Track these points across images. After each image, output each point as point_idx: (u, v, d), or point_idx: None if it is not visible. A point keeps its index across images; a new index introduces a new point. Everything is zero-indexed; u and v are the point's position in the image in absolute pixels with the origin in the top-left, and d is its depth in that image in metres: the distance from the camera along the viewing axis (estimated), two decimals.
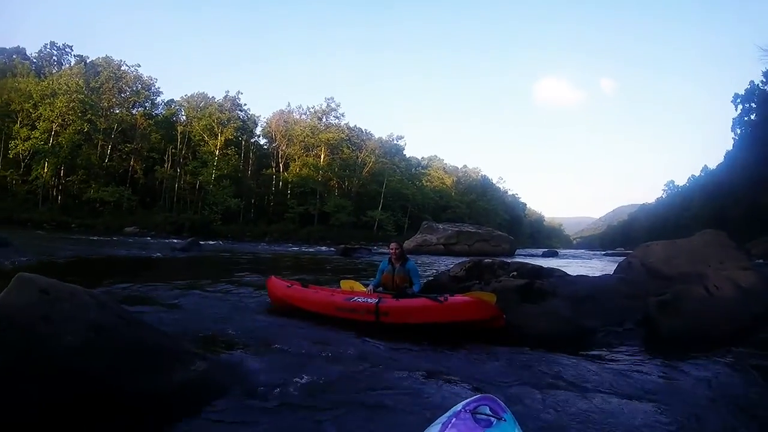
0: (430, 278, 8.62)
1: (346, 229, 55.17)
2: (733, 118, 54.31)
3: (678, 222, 77.91)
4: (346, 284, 7.20)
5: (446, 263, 18.05)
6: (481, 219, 65.95)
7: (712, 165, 76.23)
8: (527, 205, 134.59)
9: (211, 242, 29.87)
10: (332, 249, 28.98)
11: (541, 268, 8.04)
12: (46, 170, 45.14)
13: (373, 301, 5.39)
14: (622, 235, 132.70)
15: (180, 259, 14.71)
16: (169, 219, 45.74)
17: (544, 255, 35.81)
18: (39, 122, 45.77)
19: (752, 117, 49.96)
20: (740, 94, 52.11)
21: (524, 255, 34.85)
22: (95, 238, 25.76)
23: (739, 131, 53.56)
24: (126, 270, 11.65)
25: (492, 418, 1.96)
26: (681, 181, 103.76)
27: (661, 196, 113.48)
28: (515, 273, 7.36)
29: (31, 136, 45.03)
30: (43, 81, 48.48)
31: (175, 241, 22.76)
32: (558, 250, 45.03)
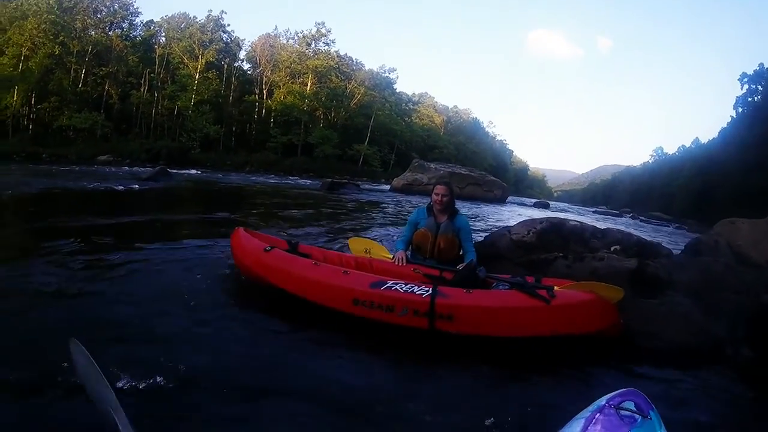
0: (479, 240, 5.58)
1: (331, 162, 53.61)
2: (737, 97, 55.19)
3: (663, 190, 78.97)
4: (358, 244, 4.90)
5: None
6: (467, 162, 64.46)
7: (704, 139, 76.72)
8: (514, 153, 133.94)
9: (183, 171, 28.26)
10: (316, 182, 27.78)
11: (644, 240, 5.49)
12: (15, 98, 42.02)
13: (425, 291, 3.14)
14: (603, 195, 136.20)
15: (141, 192, 13.06)
16: (144, 146, 43.52)
17: (536, 205, 35.05)
18: (8, 47, 42.28)
19: (756, 98, 49.91)
20: (749, 73, 51.86)
21: (515, 203, 34.04)
22: (63, 168, 23.88)
23: (740, 110, 53.47)
24: (63, 208, 9.91)
25: (637, 416, 1.77)
26: (670, 149, 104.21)
27: (648, 161, 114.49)
28: (618, 247, 4.97)
29: None
30: (12, 3, 44.73)
31: (143, 170, 20.95)
32: (548, 202, 44.28)
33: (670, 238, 16.41)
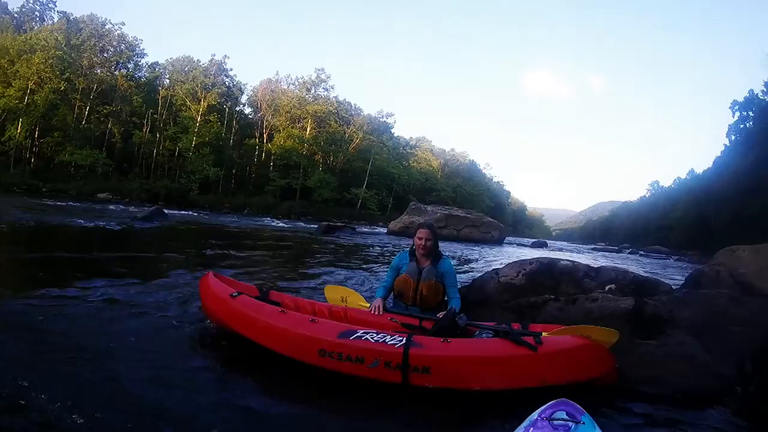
0: (465, 284, 5.17)
1: (329, 206, 53.97)
2: (729, 125, 55.67)
3: (661, 223, 79.39)
4: (334, 293, 4.55)
5: (446, 250, 15.97)
6: (466, 204, 64.98)
7: (699, 169, 77.12)
8: (511, 194, 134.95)
9: (180, 212, 28.22)
10: (313, 225, 27.59)
11: (641, 277, 5.14)
12: (19, 130, 42.75)
13: (398, 341, 2.88)
14: (601, 230, 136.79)
15: (134, 231, 12.98)
16: (144, 186, 44.22)
17: (533, 245, 34.96)
18: (15, 80, 43.16)
19: (749, 125, 50.39)
20: (739, 101, 52.43)
21: (513, 244, 34.01)
22: (62, 203, 24.00)
23: (733, 137, 53.97)
24: (52, 242, 9.87)
25: (570, 423, 1.83)
26: (666, 182, 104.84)
27: (645, 195, 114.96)
28: (613, 286, 4.72)
29: (5, 94, 42.38)
30: (21, 36, 45.94)
31: (141, 209, 20.99)
32: (546, 241, 44.29)
33: (671, 272, 16.19)
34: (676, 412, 2.95)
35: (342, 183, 59.45)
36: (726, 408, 3.05)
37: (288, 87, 65.37)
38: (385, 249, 15.47)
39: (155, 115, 53.18)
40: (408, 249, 4.34)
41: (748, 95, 51.76)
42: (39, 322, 3.54)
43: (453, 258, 13.70)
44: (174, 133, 52.38)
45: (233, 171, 56.94)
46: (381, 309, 3.89)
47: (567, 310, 3.88)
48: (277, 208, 49.21)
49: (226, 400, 2.63)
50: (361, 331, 3.00)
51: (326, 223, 25.66)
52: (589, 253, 32.86)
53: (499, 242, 31.40)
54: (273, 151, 58.61)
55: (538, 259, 5.16)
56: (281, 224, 28.85)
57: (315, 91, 65.48)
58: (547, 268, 4.93)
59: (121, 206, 27.86)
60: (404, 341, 2.86)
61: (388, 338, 2.91)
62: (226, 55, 59.25)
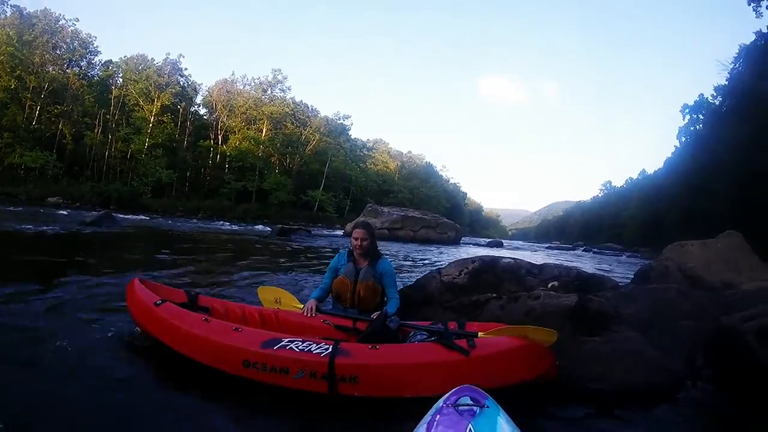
0: (408, 284, 5.26)
1: (286, 209, 54.04)
2: (680, 127, 57.25)
3: (614, 221, 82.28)
4: (268, 294, 4.43)
5: (395, 253, 16.58)
6: (423, 205, 65.77)
7: (650, 170, 79.63)
8: (468, 195, 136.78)
9: (132, 217, 27.88)
10: (269, 228, 27.56)
11: (585, 273, 5.19)
12: None
13: (323, 349, 2.80)
14: (557, 229, 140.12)
15: (80, 236, 12.91)
16: (96, 189, 43.30)
17: (489, 245, 35.99)
18: None
19: (698, 127, 52.33)
20: (689, 104, 54.31)
21: (469, 244, 34.79)
22: (10, 208, 23.36)
23: (683, 139, 55.88)
24: None
25: (475, 407, 1.85)
26: (618, 182, 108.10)
27: (598, 195, 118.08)
28: (555, 283, 4.71)
29: None
30: None
31: (91, 214, 20.65)
32: (502, 241, 45.39)
33: (624, 267, 16.83)
34: (622, 409, 2.93)
35: (298, 185, 59.49)
36: (676, 403, 3.07)
37: (244, 87, 64.78)
38: (338, 250, 15.59)
39: (107, 116, 51.94)
40: (346, 250, 4.24)
41: (698, 99, 53.31)
42: None
43: (407, 259, 14.12)
44: (126, 135, 51.24)
45: (187, 173, 56.10)
46: (314, 311, 3.83)
47: (509, 308, 3.81)
48: (233, 211, 49.01)
49: (145, 411, 2.57)
50: (286, 340, 2.91)
51: (280, 226, 25.75)
52: (543, 251, 33.99)
53: (455, 242, 32.42)
54: (228, 153, 58.07)
55: (480, 257, 5.11)
56: (236, 227, 28.78)
57: (271, 92, 65.34)
58: (490, 266, 4.89)
59: (71, 210, 27.27)
60: (330, 349, 2.77)
61: (313, 347, 2.83)
62: (181, 54, 58.91)
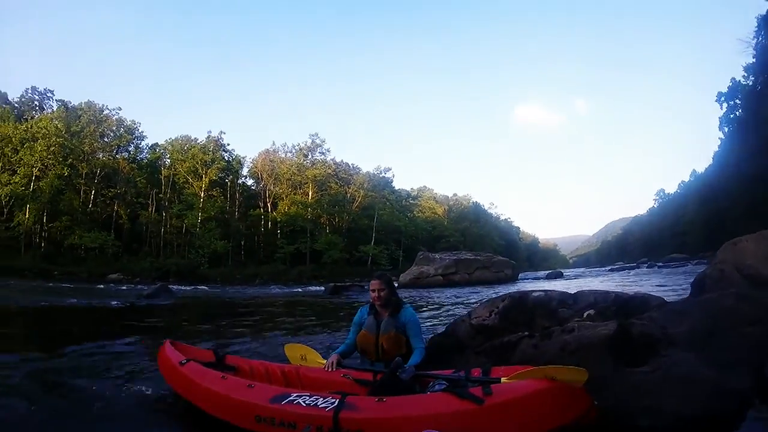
0: (439, 332, 5.17)
1: (340, 266, 53.79)
2: (719, 117, 54.86)
3: (674, 230, 78.50)
4: (294, 351, 4.58)
5: (453, 299, 15.88)
6: (476, 246, 64.67)
7: (701, 168, 76.68)
8: (521, 229, 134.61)
9: (189, 288, 28.36)
10: (322, 288, 27.55)
11: (624, 295, 4.52)
12: (27, 216, 44.11)
13: (329, 404, 2.77)
14: (618, 249, 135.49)
15: (138, 308, 13.10)
16: (154, 264, 44.55)
17: (548, 277, 34.62)
18: (19, 167, 44.83)
19: (738, 113, 50.12)
20: (723, 92, 52.33)
21: (528, 279, 33.68)
22: (72, 285, 24.31)
23: (726, 129, 53.58)
24: (51, 322, 10.28)
25: None
26: (671, 188, 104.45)
27: (653, 206, 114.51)
28: (592, 311, 4.21)
29: (11, 181, 43.88)
30: (23, 125, 47.77)
31: (147, 287, 21.15)
32: (562, 271, 43.61)
33: (689, 279, 15.96)
34: None
35: (350, 242, 59.47)
36: (744, 429, 2.64)
37: (286, 155, 66.60)
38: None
39: (160, 195, 54.17)
40: (369, 303, 4.19)
41: (731, 84, 51.32)
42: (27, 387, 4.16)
43: (457, 305, 13.65)
44: (179, 211, 53.03)
45: (241, 242, 57.19)
46: (334, 365, 3.83)
47: (542, 346, 3.51)
48: (288, 274, 49.18)
49: None
50: (295, 395, 2.97)
51: (333, 284, 25.65)
52: (605, 275, 32.61)
53: (512, 280, 31.26)
54: (278, 219, 59.02)
55: (510, 294, 4.80)
56: (291, 290, 28.80)
57: (312, 156, 66.66)
58: (519, 302, 4.53)
59: (131, 285, 28.16)
60: (336, 404, 2.76)
61: (320, 401, 2.83)
62: (222, 131, 60.68)
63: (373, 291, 4.01)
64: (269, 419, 2.85)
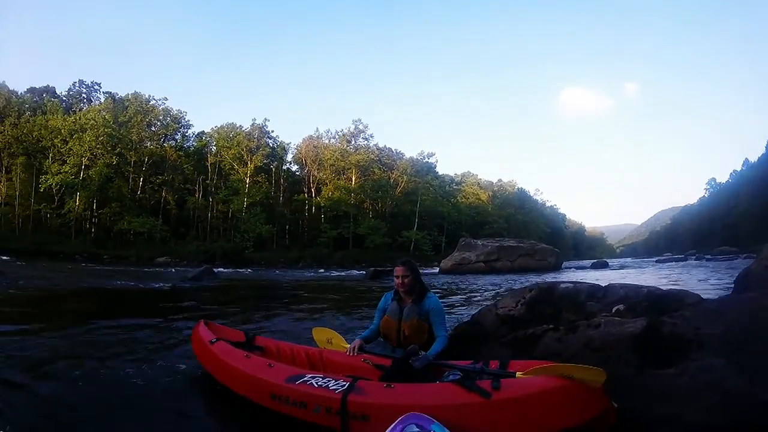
0: (465, 320, 5.01)
1: (382, 251, 53.80)
2: None
3: (725, 221, 75.05)
4: (321, 335, 4.61)
5: (491, 286, 15.70)
6: (521, 233, 63.92)
7: (753, 158, 73.13)
8: (567, 216, 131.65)
9: (232, 270, 28.94)
10: (363, 272, 27.58)
11: (658, 291, 4.13)
12: (78, 203, 46.29)
13: (340, 386, 2.80)
14: (666, 240, 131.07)
15: (183, 290, 13.35)
16: (201, 248, 45.65)
17: (594, 266, 33.66)
18: (69, 157, 46.78)
19: None
20: None
21: (572, 268, 32.86)
22: (121, 268, 25.15)
23: None
24: (97, 302, 10.63)
25: None
26: (722, 177, 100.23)
27: (704, 196, 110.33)
28: (621, 306, 3.93)
29: (61, 171, 45.91)
30: (71, 117, 49.84)
31: (193, 270, 21.64)
32: (607, 261, 42.34)
33: (734, 275, 15.28)
34: None
35: (393, 227, 59.69)
36: None
37: (329, 141, 67.31)
38: (433, 288, 15.07)
39: (206, 181, 55.81)
40: (392, 290, 4.18)
41: None
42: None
43: (494, 291, 13.38)
44: (225, 196, 54.42)
45: (286, 227, 58.22)
46: (356, 350, 3.83)
47: (566, 340, 3.41)
48: (331, 258, 49.62)
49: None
50: (308, 376, 3.03)
51: (373, 269, 25.68)
52: (651, 266, 31.41)
53: (556, 268, 30.70)
54: (322, 204, 59.70)
55: (538, 284, 4.65)
56: (333, 273, 28.99)
57: (355, 142, 67.21)
58: (546, 294, 4.39)
59: (178, 268, 28.79)
60: (345, 387, 2.78)
61: (331, 383, 2.86)
62: (266, 119, 61.55)
63: (397, 277, 3.97)
64: (283, 398, 2.94)
